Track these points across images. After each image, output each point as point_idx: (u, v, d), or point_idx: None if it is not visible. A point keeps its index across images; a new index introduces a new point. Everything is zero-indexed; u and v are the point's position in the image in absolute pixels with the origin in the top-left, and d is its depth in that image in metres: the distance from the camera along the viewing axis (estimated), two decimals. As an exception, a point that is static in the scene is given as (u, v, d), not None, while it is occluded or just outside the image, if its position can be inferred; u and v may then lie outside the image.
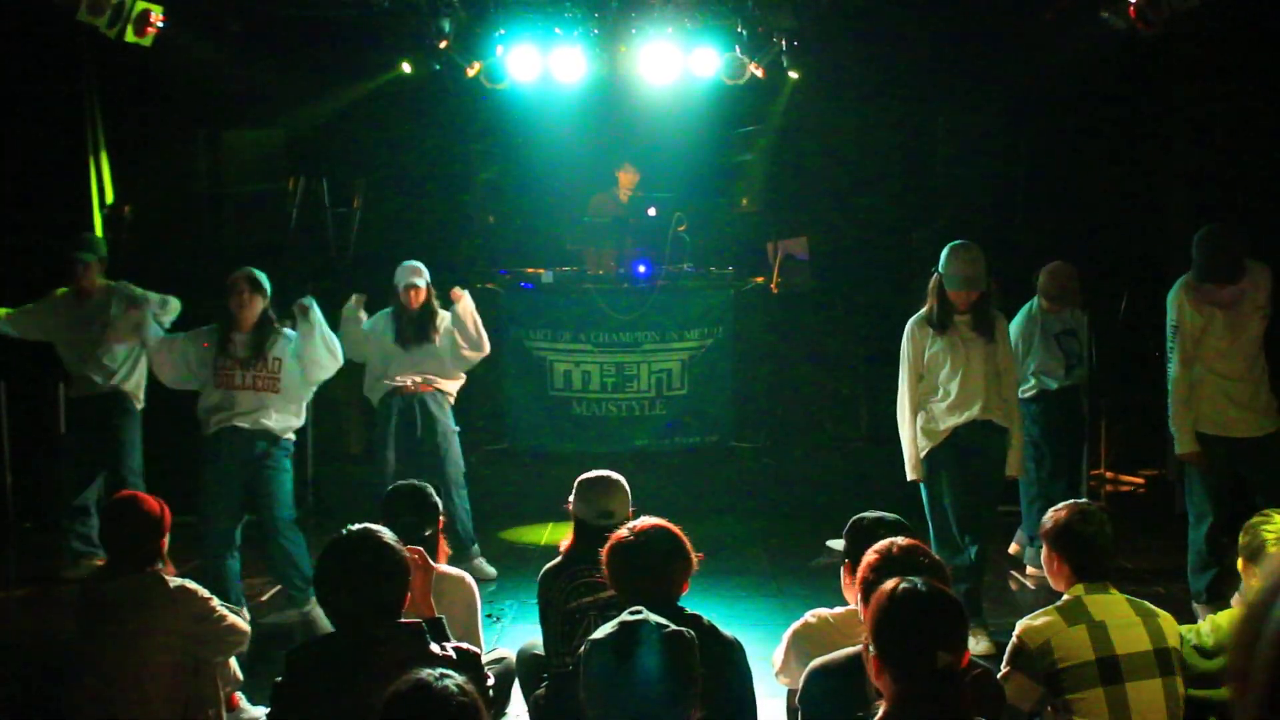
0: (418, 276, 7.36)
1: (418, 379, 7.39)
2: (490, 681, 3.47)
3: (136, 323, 7.25)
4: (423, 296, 7.35)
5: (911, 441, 6.13)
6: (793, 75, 9.30)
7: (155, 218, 8.89)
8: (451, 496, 7.24)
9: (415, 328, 7.35)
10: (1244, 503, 5.89)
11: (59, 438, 7.68)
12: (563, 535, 4.63)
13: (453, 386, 7.54)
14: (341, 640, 3.29)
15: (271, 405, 6.46)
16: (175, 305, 7.44)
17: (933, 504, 6.13)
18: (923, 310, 6.14)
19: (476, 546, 7.46)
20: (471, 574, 4.84)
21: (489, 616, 6.34)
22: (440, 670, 2.65)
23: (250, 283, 6.49)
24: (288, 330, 6.60)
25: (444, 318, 7.42)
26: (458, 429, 7.52)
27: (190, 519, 8.04)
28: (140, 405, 7.45)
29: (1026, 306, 7.33)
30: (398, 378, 7.38)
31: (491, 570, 7.36)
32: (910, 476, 6.16)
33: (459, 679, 2.63)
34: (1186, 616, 5.62)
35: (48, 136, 8.58)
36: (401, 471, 6.97)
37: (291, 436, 6.64)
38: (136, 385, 7.43)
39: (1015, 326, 7.08)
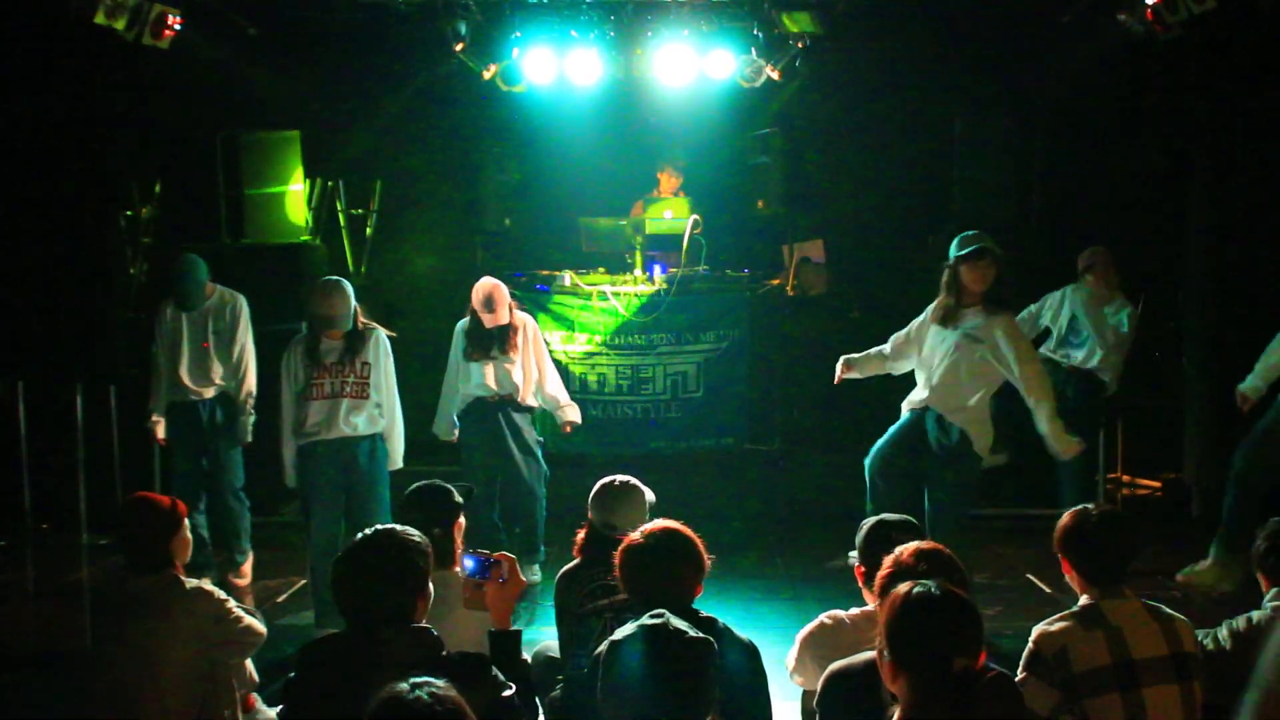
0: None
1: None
2: (509, 692, 3.36)
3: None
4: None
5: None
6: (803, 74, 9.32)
7: (173, 220, 8.93)
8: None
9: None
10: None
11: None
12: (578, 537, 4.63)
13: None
14: (351, 639, 3.29)
15: (364, 410, 6.35)
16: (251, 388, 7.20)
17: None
18: (939, 300, 6.25)
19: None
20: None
21: None
22: (417, 680, 2.52)
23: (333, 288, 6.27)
24: (380, 334, 6.42)
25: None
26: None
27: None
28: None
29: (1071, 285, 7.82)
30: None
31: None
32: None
33: (437, 686, 2.51)
34: (1204, 621, 5.60)
35: (66, 146, 8.59)
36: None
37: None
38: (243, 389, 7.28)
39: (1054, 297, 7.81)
